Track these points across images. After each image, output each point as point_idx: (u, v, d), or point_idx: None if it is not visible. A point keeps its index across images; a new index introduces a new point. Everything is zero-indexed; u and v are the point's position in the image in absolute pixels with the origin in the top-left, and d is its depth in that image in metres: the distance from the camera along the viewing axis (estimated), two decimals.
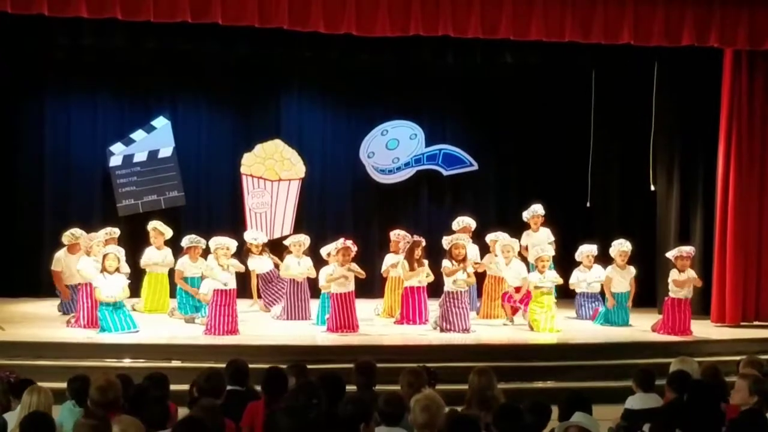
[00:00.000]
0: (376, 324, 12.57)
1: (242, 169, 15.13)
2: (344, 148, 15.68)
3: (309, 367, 7.98)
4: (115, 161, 14.79)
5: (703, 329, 12.38)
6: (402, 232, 12.96)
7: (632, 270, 12.77)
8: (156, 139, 14.93)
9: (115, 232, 12.69)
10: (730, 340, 12.16)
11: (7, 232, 14.67)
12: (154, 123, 14.94)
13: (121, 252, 11.79)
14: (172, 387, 7.17)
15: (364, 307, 12.53)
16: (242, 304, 12.96)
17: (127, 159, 14.82)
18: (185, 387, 7.38)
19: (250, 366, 7.60)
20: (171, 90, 15.27)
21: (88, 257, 11.91)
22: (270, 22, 11.71)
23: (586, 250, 13.18)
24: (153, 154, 14.87)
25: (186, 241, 12.82)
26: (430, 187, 15.64)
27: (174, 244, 13.32)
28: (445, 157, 15.75)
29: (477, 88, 15.51)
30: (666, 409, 7.00)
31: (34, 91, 14.82)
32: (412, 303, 12.41)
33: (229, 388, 7.08)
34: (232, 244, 11.72)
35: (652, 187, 14.35)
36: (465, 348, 11.30)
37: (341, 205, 15.57)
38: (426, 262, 12.46)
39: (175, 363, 10.39)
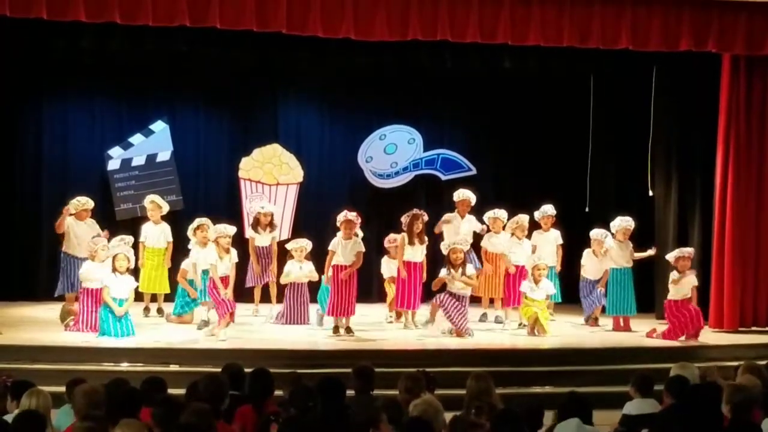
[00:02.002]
0: (374, 329, 12.53)
1: (240, 174, 15.12)
2: (342, 152, 15.67)
3: (307, 371, 8.00)
4: (113, 165, 14.78)
5: (700, 335, 12.37)
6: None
7: (630, 244, 12.87)
8: (154, 143, 14.91)
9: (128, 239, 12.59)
10: (728, 346, 12.16)
11: (5, 235, 14.64)
12: (152, 127, 14.92)
13: (130, 252, 11.76)
14: (170, 391, 7.16)
15: (361, 311, 12.51)
16: (243, 309, 13.00)
17: (126, 163, 14.81)
18: (182, 391, 7.36)
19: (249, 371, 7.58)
20: (169, 94, 15.24)
21: (93, 262, 11.87)
22: (268, 26, 11.72)
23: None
24: (151, 158, 14.85)
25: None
26: (428, 191, 15.62)
27: (174, 246, 13.33)
28: (443, 161, 15.75)
29: (475, 92, 15.49)
30: (664, 414, 6.99)
31: (32, 94, 14.79)
32: (407, 281, 12.34)
33: None
34: (232, 230, 11.87)
35: (651, 193, 14.36)
36: (463, 353, 11.32)
37: (339, 210, 15.50)
38: (426, 239, 12.47)
39: (173, 367, 10.39)
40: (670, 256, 12.31)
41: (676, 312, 12.11)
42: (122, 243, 11.92)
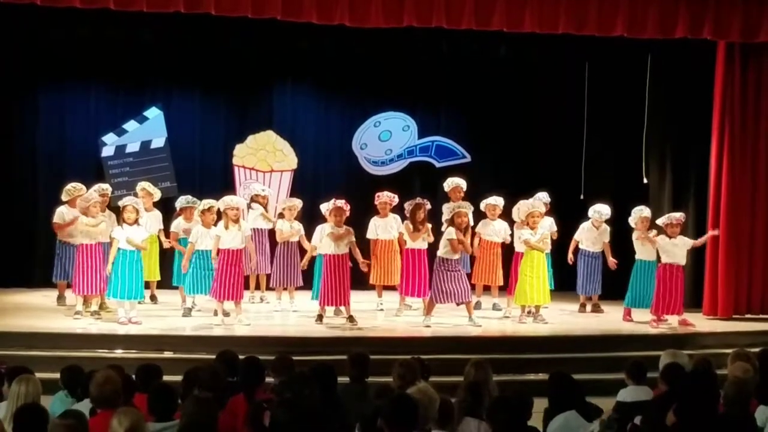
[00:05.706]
0: (367, 316, 12.51)
1: (234, 160, 15.12)
2: (337, 139, 15.65)
3: (301, 358, 8.00)
4: (107, 151, 14.75)
5: (695, 322, 12.40)
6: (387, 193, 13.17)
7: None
8: (148, 129, 14.88)
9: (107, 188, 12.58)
10: (722, 333, 12.21)
11: (1, 222, 14.62)
12: (146, 113, 14.89)
13: (139, 204, 11.70)
14: (164, 378, 7.16)
15: (354, 298, 12.48)
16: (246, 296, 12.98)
17: (120, 149, 14.78)
18: (177, 378, 7.36)
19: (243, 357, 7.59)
20: (164, 81, 15.19)
21: (86, 218, 11.76)
22: (263, 12, 11.70)
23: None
24: (145, 144, 14.83)
25: (182, 202, 12.82)
26: (422, 179, 15.62)
27: (166, 233, 13.31)
28: (437, 149, 15.75)
29: (470, 80, 15.47)
30: (657, 401, 7.02)
31: (27, 81, 14.73)
32: (412, 269, 12.42)
33: None
34: (242, 203, 11.77)
35: (645, 180, 14.37)
36: (458, 340, 11.34)
37: (333, 197, 15.52)
38: (429, 225, 12.46)
39: (167, 354, 10.41)
40: (660, 221, 12.33)
41: (668, 280, 12.06)
42: (99, 192, 11.98)
